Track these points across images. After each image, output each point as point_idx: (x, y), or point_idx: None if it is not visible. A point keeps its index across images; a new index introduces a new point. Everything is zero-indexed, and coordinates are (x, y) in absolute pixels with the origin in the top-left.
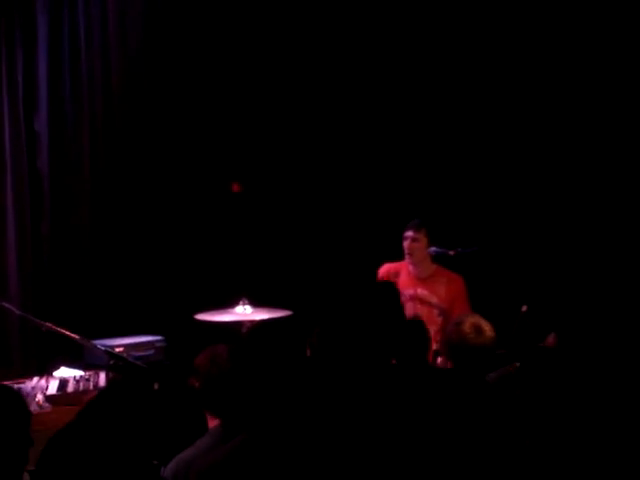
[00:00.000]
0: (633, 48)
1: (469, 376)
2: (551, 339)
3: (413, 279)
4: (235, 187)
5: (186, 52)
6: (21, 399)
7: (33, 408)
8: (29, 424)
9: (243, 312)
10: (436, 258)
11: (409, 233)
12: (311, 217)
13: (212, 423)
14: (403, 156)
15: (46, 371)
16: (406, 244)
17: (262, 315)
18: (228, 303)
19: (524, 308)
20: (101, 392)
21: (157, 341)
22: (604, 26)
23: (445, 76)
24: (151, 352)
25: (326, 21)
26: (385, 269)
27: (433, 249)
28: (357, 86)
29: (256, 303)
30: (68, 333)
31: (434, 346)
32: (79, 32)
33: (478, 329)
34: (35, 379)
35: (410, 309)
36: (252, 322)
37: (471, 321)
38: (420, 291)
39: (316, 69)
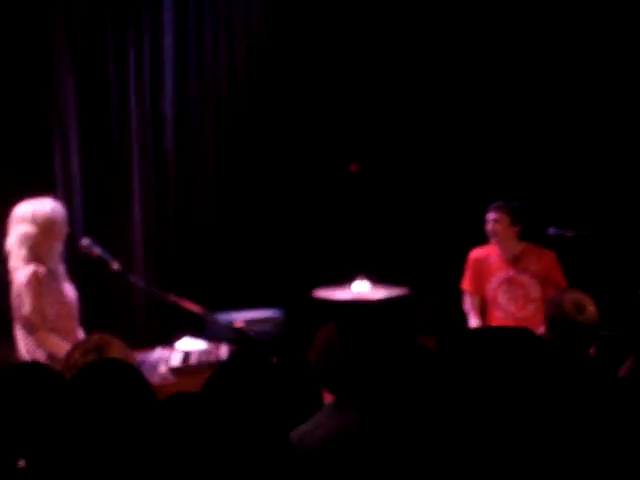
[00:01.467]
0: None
1: (571, 352)
2: None
3: (503, 261)
4: (353, 166)
5: (308, 33)
6: (138, 373)
7: (156, 379)
8: (150, 396)
9: (361, 289)
10: (554, 239)
11: (490, 215)
12: (428, 195)
13: (328, 399)
14: (518, 137)
15: (169, 342)
16: (489, 226)
17: (380, 293)
18: (346, 280)
19: None
20: (222, 365)
21: (276, 316)
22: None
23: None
24: (270, 326)
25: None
26: (474, 255)
27: (552, 230)
28: (466, 69)
29: (374, 280)
30: (191, 306)
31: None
32: (204, 14)
33: (579, 306)
34: (159, 350)
35: (504, 292)
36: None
37: (572, 297)
38: (512, 272)
39: (434, 47)
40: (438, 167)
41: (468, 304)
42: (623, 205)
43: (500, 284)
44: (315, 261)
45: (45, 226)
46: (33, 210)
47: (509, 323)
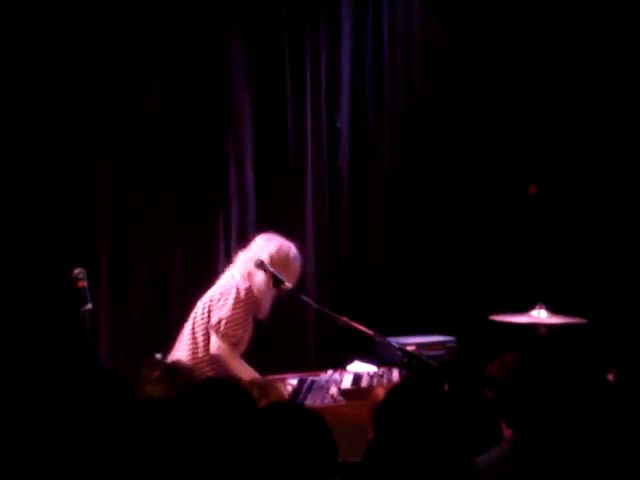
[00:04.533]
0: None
1: None
2: None
3: None
4: (532, 189)
5: (489, 49)
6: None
7: (327, 401)
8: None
9: (538, 316)
10: None
11: None
12: (608, 220)
13: (507, 432)
14: None
15: (340, 365)
16: None
17: (557, 321)
18: (523, 307)
19: None
20: (394, 389)
21: (449, 341)
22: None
23: None
24: (442, 352)
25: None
26: None
27: None
28: None
29: (553, 309)
30: (363, 328)
31: None
32: (382, 31)
33: None
34: (329, 372)
35: None
36: (546, 327)
37: None
38: None
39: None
40: (618, 191)
41: None
42: None
43: None
44: (492, 287)
45: (284, 264)
46: (289, 248)
47: None
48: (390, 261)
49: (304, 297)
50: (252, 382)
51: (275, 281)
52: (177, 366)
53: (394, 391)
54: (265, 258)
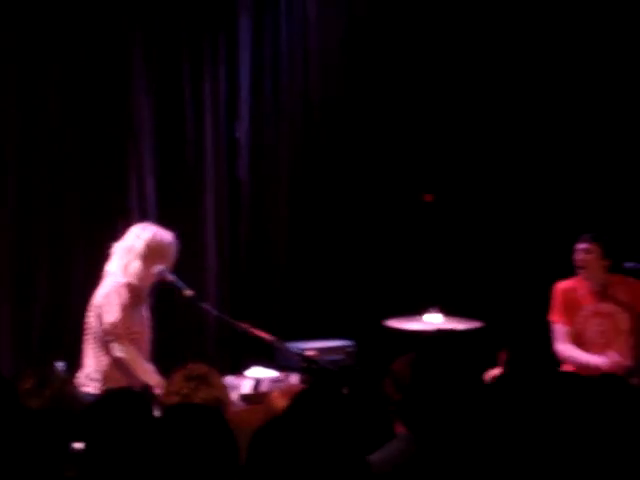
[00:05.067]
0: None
1: None
2: None
3: (591, 293)
4: (427, 197)
5: (386, 57)
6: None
7: None
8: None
9: (433, 320)
10: (631, 273)
11: (581, 245)
12: (503, 226)
13: (399, 429)
14: (594, 167)
15: (240, 371)
16: (578, 256)
17: (452, 324)
18: (418, 311)
19: None
20: (301, 394)
21: (348, 346)
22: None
23: None
24: (341, 356)
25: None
26: (562, 287)
27: (630, 264)
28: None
29: (447, 312)
30: (263, 334)
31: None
32: (280, 41)
33: None
34: (229, 377)
35: (593, 324)
36: (440, 330)
37: None
38: (601, 304)
39: (506, 77)
40: (511, 199)
41: (559, 336)
42: None
43: (589, 316)
44: (388, 291)
45: (160, 250)
46: (164, 234)
47: (598, 355)
48: (290, 267)
49: (204, 305)
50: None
51: (176, 290)
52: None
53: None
54: (141, 246)
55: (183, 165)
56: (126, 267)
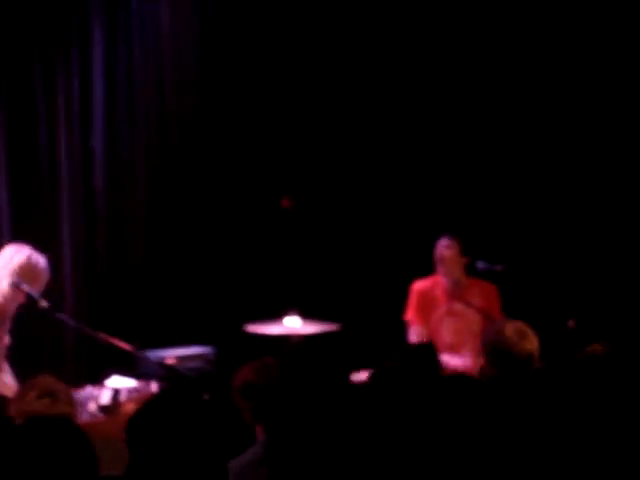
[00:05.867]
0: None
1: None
2: (596, 347)
3: (447, 293)
4: (285, 202)
5: (239, 72)
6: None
7: (85, 417)
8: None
9: (292, 324)
10: (483, 274)
11: (442, 242)
12: (360, 231)
13: (259, 434)
14: (450, 172)
15: (99, 381)
16: (438, 252)
17: (311, 328)
18: (278, 315)
19: (571, 323)
20: (150, 401)
21: (207, 353)
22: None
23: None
24: (202, 363)
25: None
26: (418, 286)
27: (481, 264)
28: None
29: (306, 316)
30: (121, 344)
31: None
32: (134, 52)
33: (521, 332)
34: (88, 388)
35: (447, 323)
36: (301, 334)
37: (513, 325)
38: (455, 305)
39: (369, 82)
40: (368, 204)
41: (413, 335)
42: (550, 237)
43: (443, 316)
44: (247, 297)
45: (33, 274)
46: (38, 258)
47: (452, 354)
48: (149, 276)
49: (62, 316)
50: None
51: (30, 301)
52: None
53: (149, 403)
54: (14, 268)
55: (37, 178)
56: None
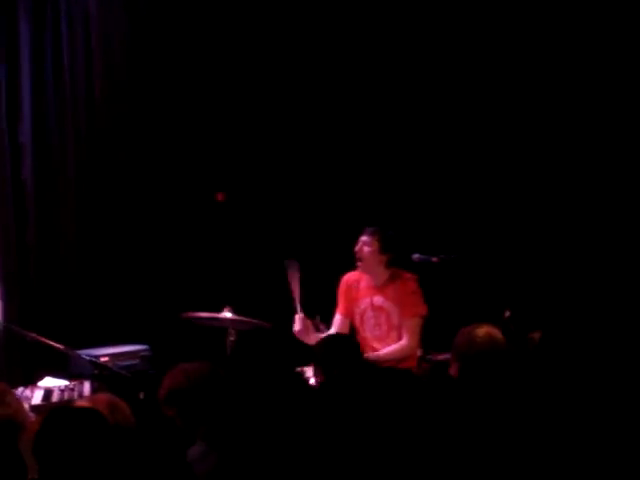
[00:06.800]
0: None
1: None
2: (536, 336)
3: (371, 286)
4: (219, 196)
5: (169, 62)
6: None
7: None
8: None
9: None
10: (419, 265)
11: (362, 237)
12: (294, 226)
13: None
14: (387, 164)
15: (31, 381)
16: (357, 249)
17: (244, 324)
18: (213, 312)
19: (507, 313)
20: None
21: (142, 350)
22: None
23: (415, 80)
24: (136, 361)
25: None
26: (346, 279)
27: (416, 256)
28: (335, 96)
29: (239, 313)
30: (52, 343)
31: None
32: (62, 43)
33: (491, 337)
34: (20, 389)
35: (370, 317)
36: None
37: (483, 330)
38: (376, 299)
39: (299, 78)
40: (301, 197)
41: (338, 328)
42: (487, 228)
43: (366, 309)
44: (182, 293)
45: None
46: None
47: (376, 348)
48: (80, 272)
49: None
50: None
51: None
52: None
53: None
54: None
55: None
56: None
